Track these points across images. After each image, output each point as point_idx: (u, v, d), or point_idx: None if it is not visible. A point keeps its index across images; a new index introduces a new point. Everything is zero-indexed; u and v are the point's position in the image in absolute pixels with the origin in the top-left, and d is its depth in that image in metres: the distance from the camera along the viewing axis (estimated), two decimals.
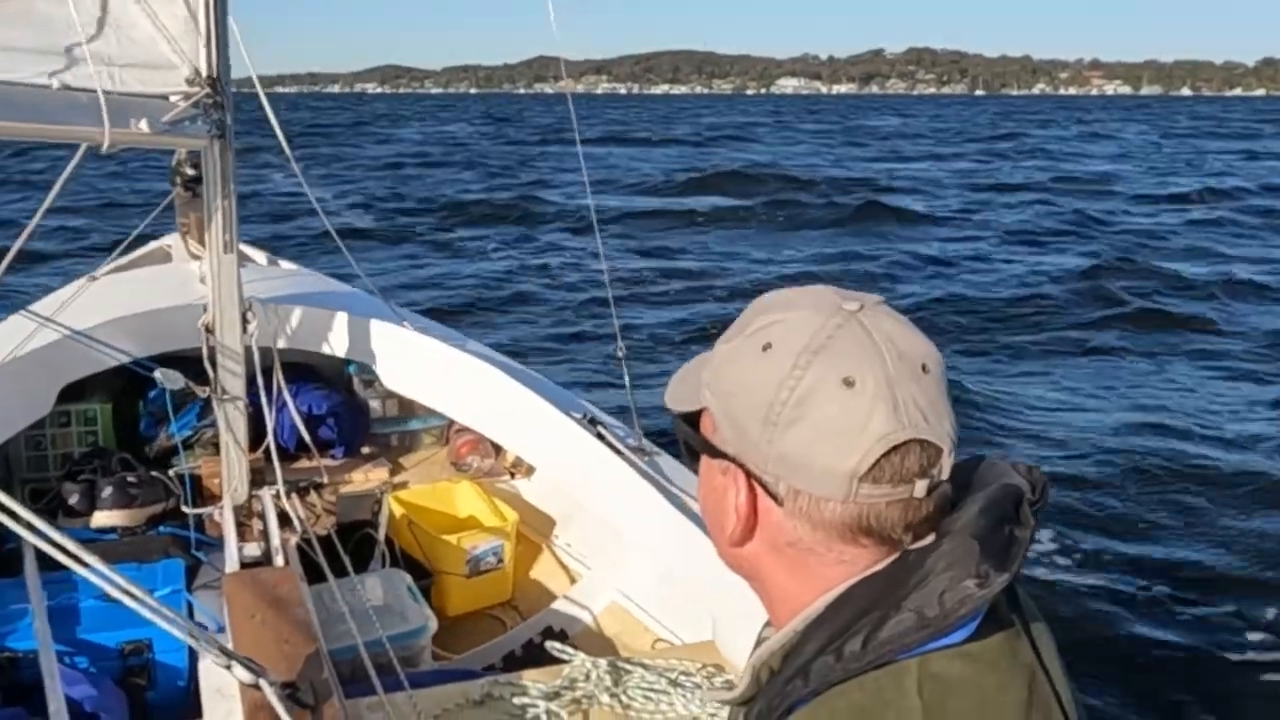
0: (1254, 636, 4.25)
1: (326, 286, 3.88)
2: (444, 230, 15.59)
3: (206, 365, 2.57)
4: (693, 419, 0.92)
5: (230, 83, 2.45)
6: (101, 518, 2.69)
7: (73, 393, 2.84)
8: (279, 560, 2.43)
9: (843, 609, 0.83)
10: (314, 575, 2.44)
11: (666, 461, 2.88)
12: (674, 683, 2.12)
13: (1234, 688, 3.93)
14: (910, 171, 26.21)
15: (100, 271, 3.59)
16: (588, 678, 2.12)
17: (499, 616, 2.89)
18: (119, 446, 3.02)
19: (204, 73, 2.37)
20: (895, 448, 0.80)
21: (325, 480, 3.03)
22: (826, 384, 0.81)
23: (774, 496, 0.85)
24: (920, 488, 0.81)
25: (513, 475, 3.24)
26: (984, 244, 15.00)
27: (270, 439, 2.69)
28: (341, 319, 3.03)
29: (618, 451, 2.83)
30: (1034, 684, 0.83)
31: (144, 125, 2.22)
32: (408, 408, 3.34)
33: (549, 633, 2.76)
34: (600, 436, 2.88)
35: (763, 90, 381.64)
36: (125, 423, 3.09)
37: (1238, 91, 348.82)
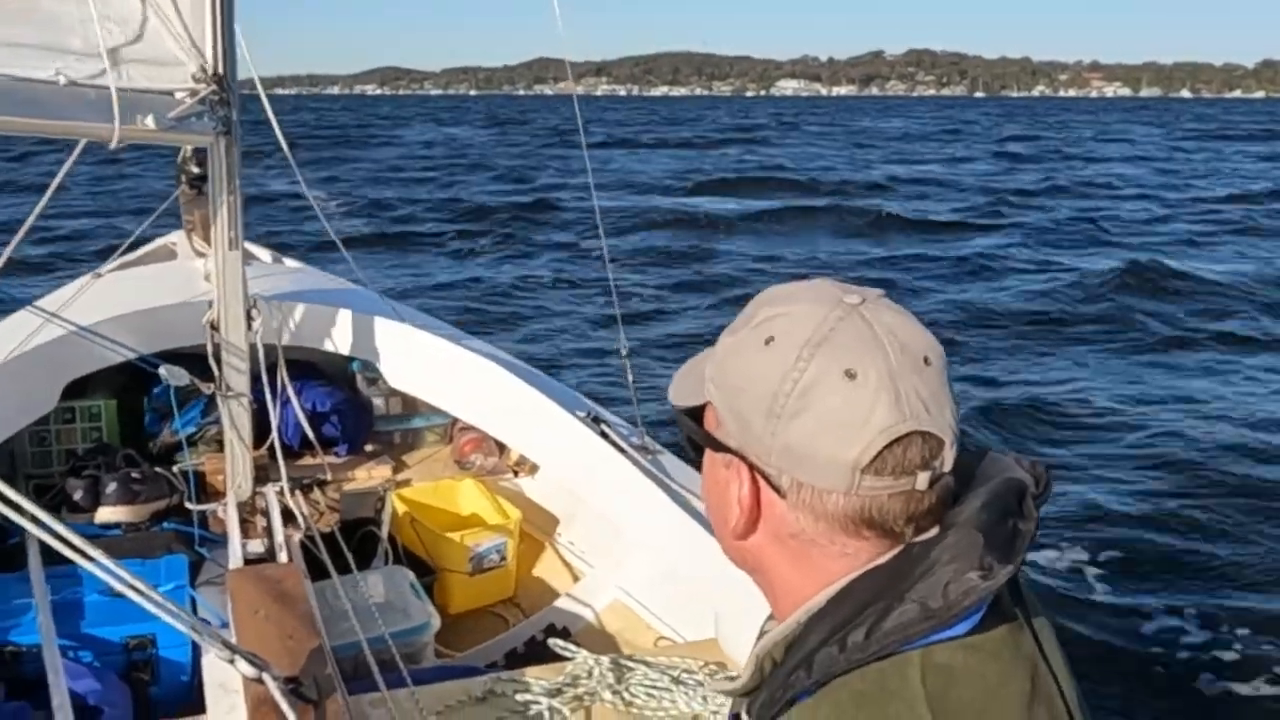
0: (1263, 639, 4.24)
1: (330, 284, 3.89)
2: (449, 233, 15.55)
3: (211, 362, 2.58)
4: (696, 414, 0.93)
5: (236, 80, 2.45)
6: (105, 513, 2.69)
7: (77, 389, 2.85)
8: (282, 557, 2.43)
9: (846, 601, 0.83)
10: (317, 572, 2.44)
11: (669, 460, 2.89)
12: (676, 680, 2.12)
13: (1240, 691, 3.93)
14: (922, 174, 25.98)
15: (105, 269, 3.59)
16: (590, 675, 2.12)
17: (501, 614, 2.89)
18: (123, 443, 3.02)
19: (210, 69, 2.38)
20: (897, 439, 0.80)
21: (329, 477, 3.03)
22: (829, 376, 0.81)
23: (777, 489, 0.85)
24: (922, 480, 0.81)
25: (516, 473, 3.24)
26: (1014, 248, 14.80)
27: (274, 436, 2.70)
28: (345, 316, 3.04)
29: (621, 450, 2.83)
30: (1036, 676, 0.83)
31: (150, 122, 2.23)
32: (411, 405, 3.34)
33: (551, 630, 2.76)
34: (603, 435, 2.89)
35: (762, 92, 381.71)
36: (130, 419, 3.10)
37: (1237, 93, 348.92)
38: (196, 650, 2.21)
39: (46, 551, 1.68)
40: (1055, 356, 8.96)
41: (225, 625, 2.17)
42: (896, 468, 0.81)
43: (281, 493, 2.68)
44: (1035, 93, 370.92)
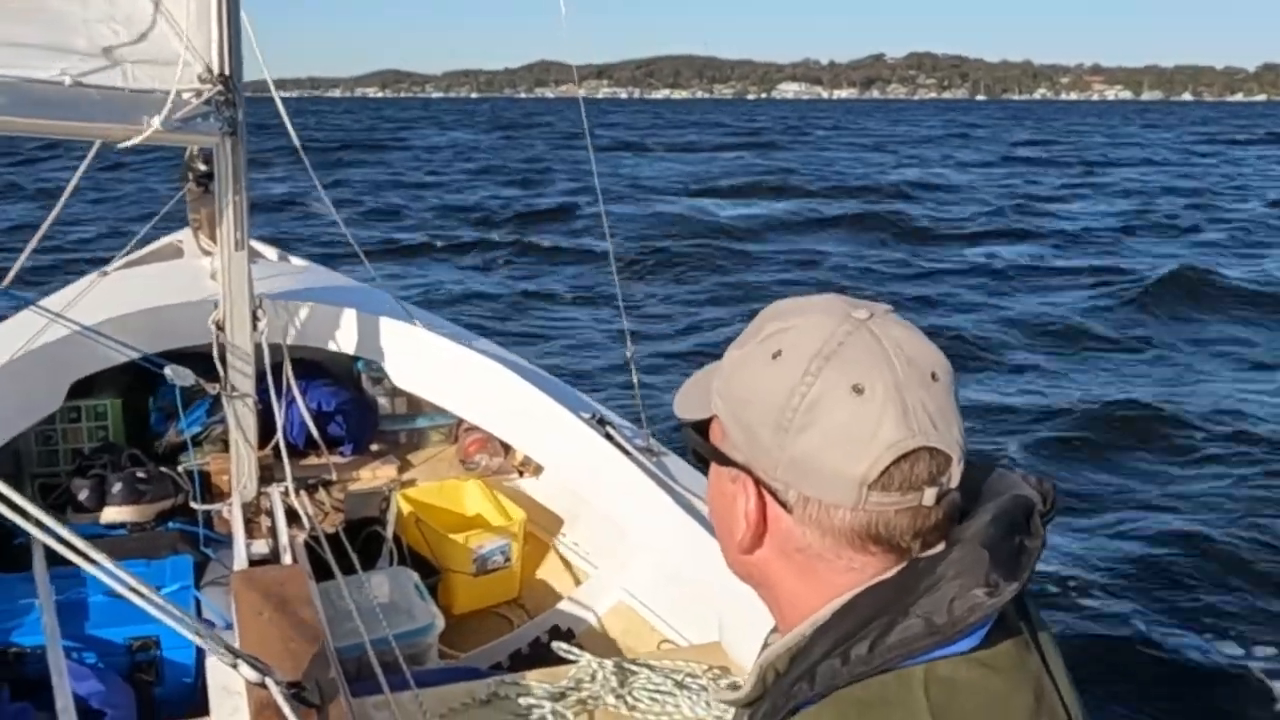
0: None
1: (337, 283, 3.89)
2: (457, 240, 15.48)
3: (216, 362, 2.58)
4: (702, 427, 0.93)
5: (242, 80, 2.45)
6: (111, 513, 2.69)
7: (83, 388, 2.84)
8: (287, 558, 2.43)
9: (850, 614, 0.84)
10: (322, 572, 2.44)
11: (674, 462, 2.88)
12: (680, 684, 2.12)
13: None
14: (939, 179, 25.69)
15: (111, 267, 3.59)
16: (593, 679, 2.12)
17: (506, 615, 2.89)
18: (129, 442, 3.02)
19: (216, 69, 2.38)
20: (905, 455, 0.80)
21: (333, 477, 3.03)
22: (836, 391, 0.81)
23: (783, 503, 0.85)
24: (929, 495, 0.81)
25: (521, 474, 3.23)
26: (1048, 254, 14.62)
27: (279, 436, 2.69)
28: (351, 316, 3.03)
29: (626, 452, 2.83)
30: (1042, 692, 0.83)
31: (156, 122, 2.22)
32: (416, 405, 3.33)
33: (555, 632, 2.76)
34: (608, 436, 2.88)
35: (764, 95, 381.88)
36: (135, 418, 3.09)
37: (1239, 97, 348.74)
38: (200, 652, 2.20)
39: (51, 552, 1.67)
40: (1097, 364, 8.82)
41: (229, 626, 2.17)
42: (904, 483, 0.81)
43: (286, 493, 2.68)
44: (1036, 96, 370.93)
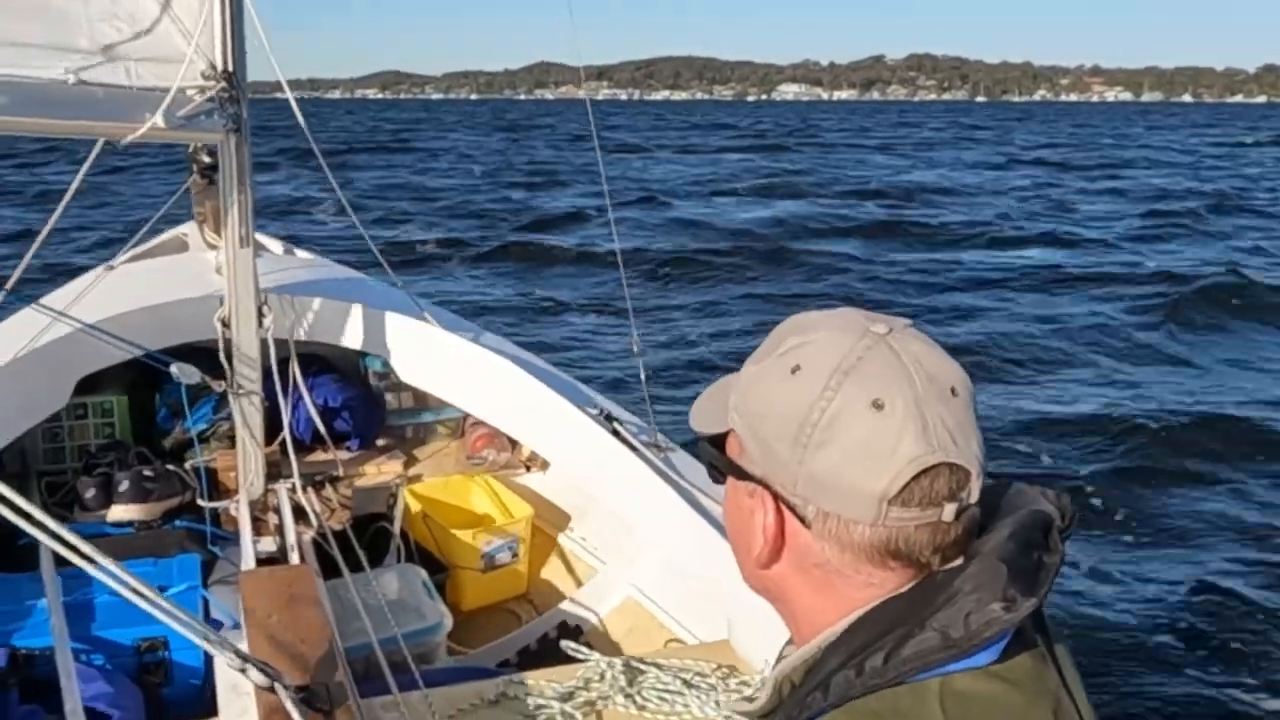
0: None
1: (343, 276, 3.87)
2: (464, 241, 15.41)
3: (223, 359, 2.57)
4: (718, 441, 0.92)
5: (246, 77, 2.44)
6: (118, 511, 2.68)
7: (89, 385, 2.84)
8: (294, 557, 2.42)
9: (866, 627, 0.83)
10: (329, 569, 2.43)
11: (682, 458, 2.87)
12: (688, 684, 2.11)
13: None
14: (952, 182, 25.45)
15: (117, 261, 3.58)
16: (602, 678, 2.11)
17: (514, 611, 2.89)
18: (135, 439, 3.01)
19: (219, 66, 2.37)
20: (925, 470, 0.80)
21: (340, 473, 3.01)
22: (856, 406, 0.81)
23: (802, 519, 0.85)
24: (949, 511, 0.81)
25: (528, 469, 3.22)
26: (1072, 259, 14.38)
27: (286, 432, 2.68)
28: (357, 311, 3.02)
29: (633, 447, 2.82)
30: (1059, 708, 0.83)
31: (160, 120, 2.21)
32: (422, 400, 3.32)
33: (563, 628, 2.75)
34: (616, 432, 2.87)
35: (764, 96, 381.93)
36: (141, 415, 3.09)
37: (1239, 98, 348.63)
38: (209, 652, 2.19)
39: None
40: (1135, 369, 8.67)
41: (237, 626, 2.16)
42: (924, 499, 0.80)
43: (293, 490, 2.67)
44: (1036, 97, 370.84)
